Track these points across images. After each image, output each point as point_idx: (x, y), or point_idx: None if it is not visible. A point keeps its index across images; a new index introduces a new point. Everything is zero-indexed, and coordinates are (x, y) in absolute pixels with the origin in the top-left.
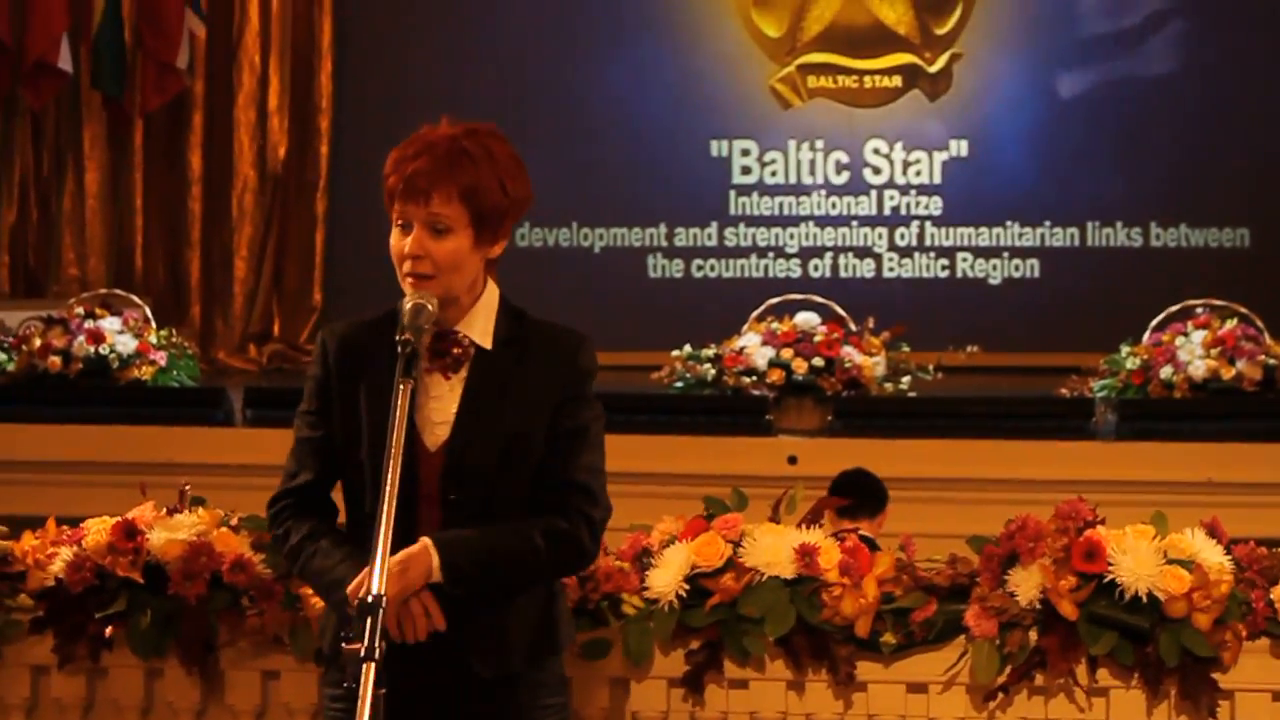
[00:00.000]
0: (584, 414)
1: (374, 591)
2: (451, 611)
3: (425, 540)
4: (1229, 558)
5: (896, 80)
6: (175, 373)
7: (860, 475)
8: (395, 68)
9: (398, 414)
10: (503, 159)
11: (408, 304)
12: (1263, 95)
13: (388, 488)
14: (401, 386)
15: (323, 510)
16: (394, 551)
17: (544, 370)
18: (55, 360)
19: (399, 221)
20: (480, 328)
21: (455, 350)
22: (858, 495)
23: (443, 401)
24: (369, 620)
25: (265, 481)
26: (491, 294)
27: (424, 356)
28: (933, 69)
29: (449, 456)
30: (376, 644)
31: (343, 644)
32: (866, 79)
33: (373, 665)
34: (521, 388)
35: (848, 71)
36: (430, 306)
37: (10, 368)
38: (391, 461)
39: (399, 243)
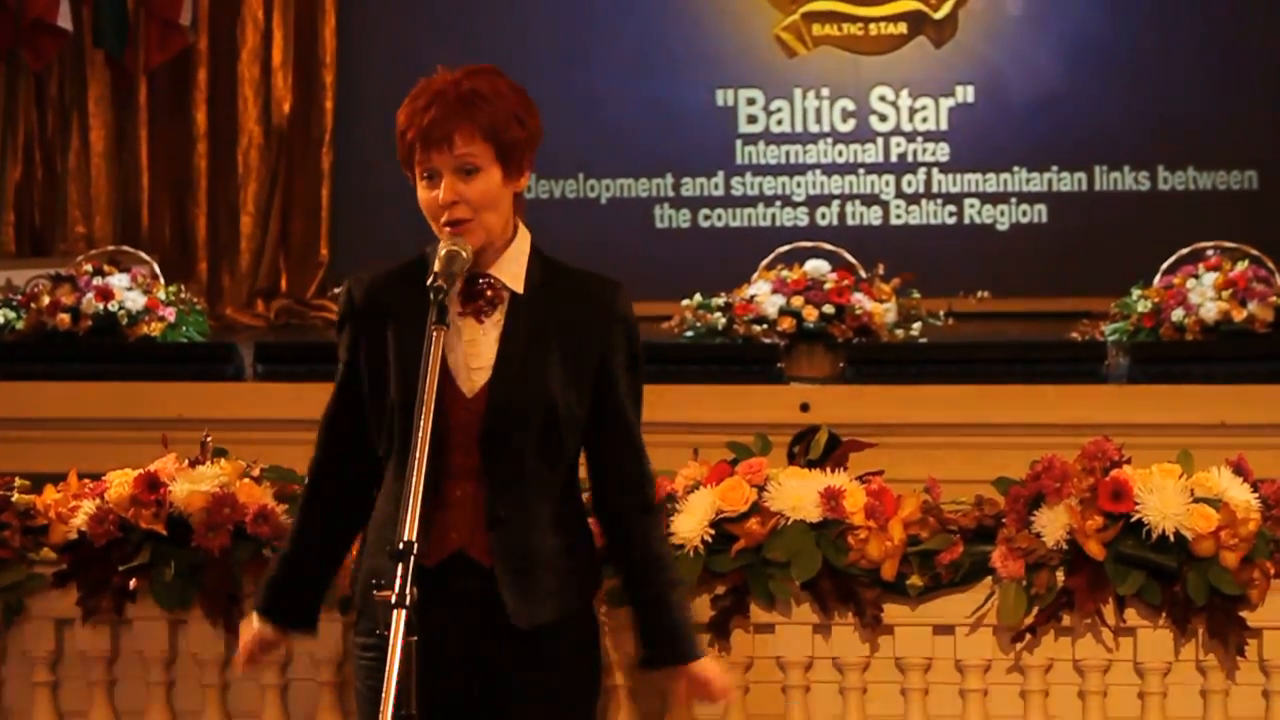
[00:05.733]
0: (635, 379)
1: (405, 538)
2: (485, 567)
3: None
4: (1256, 496)
5: (902, 27)
6: (184, 329)
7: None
8: (399, 21)
9: (430, 362)
10: (509, 92)
11: (442, 250)
12: (1269, 35)
13: (420, 435)
14: (434, 334)
15: (357, 455)
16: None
17: (581, 319)
18: (64, 318)
19: (424, 175)
20: (512, 271)
21: (488, 293)
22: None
23: (478, 346)
24: (400, 567)
25: (279, 435)
26: (523, 239)
27: (455, 301)
28: (938, 15)
29: (489, 402)
30: (408, 591)
31: (374, 591)
32: (871, 26)
33: (403, 612)
34: (560, 336)
35: (852, 19)
36: (465, 254)
37: (19, 326)
38: (424, 409)
39: (429, 195)
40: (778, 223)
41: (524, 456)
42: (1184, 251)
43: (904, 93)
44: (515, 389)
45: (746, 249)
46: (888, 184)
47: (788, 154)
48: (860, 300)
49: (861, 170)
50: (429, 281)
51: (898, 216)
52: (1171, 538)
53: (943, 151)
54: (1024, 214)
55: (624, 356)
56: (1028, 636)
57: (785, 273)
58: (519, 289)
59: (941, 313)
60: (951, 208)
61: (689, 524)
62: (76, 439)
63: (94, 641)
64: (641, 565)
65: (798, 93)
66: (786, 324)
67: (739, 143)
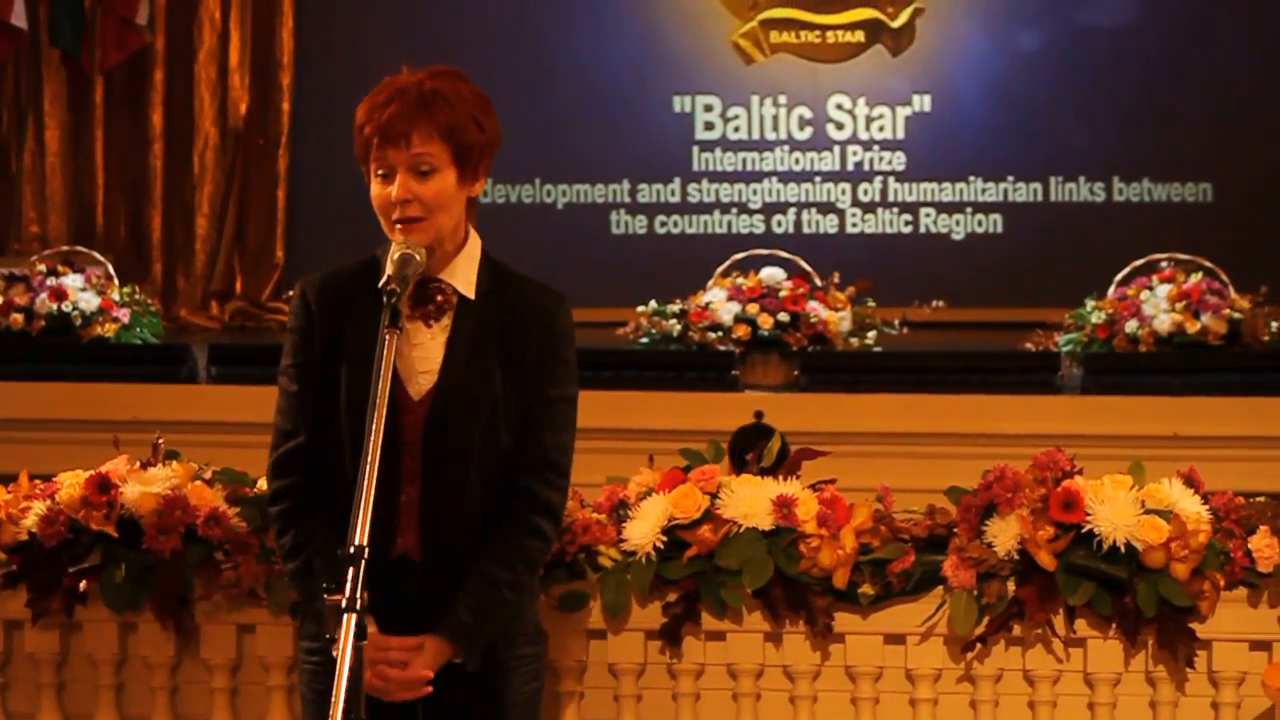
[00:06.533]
0: (561, 386)
1: (356, 542)
2: (427, 571)
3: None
4: (1206, 507)
5: (859, 35)
6: (138, 330)
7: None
8: (356, 24)
9: (382, 365)
10: (471, 97)
11: (395, 253)
12: (1224, 48)
13: (372, 438)
14: (386, 337)
15: (324, 476)
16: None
17: (523, 327)
18: (17, 318)
19: (379, 171)
20: (463, 277)
21: (438, 298)
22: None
23: (425, 350)
24: (350, 572)
25: (232, 438)
26: (474, 244)
27: (405, 304)
28: (895, 24)
29: (434, 406)
30: (358, 596)
31: (324, 596)
32: (829, 34)
33: (353, 617)
34: (502, 342)
35: (810, 27)
36: (418, 257)
37: None
38: (377, 413)
39: (383, 191)
40: (734, 230)
41: (467, 461)
42: (1138, 263)
43: (861, 101)
44: (459, 394)
45: (702, 256)
46: (844, 192)
47: (744, 161)
48: (815, 308)
49: (818, 178)
50: (382, 284)
51: (853, 225)
52: (1122, 549)
53: (899, 160)
54: (979, 224)
55: (561, 372)
56: (978, 646)
57: (741, 280)
58: (470, 294)
59: (896, 321)
60: (907, 217)
61: (641, 530)
62: (28, 440)
63: (43, 643)
64: (491, 563)
65: (755, 100)
66: (741, 331)
67: (696, 149)
